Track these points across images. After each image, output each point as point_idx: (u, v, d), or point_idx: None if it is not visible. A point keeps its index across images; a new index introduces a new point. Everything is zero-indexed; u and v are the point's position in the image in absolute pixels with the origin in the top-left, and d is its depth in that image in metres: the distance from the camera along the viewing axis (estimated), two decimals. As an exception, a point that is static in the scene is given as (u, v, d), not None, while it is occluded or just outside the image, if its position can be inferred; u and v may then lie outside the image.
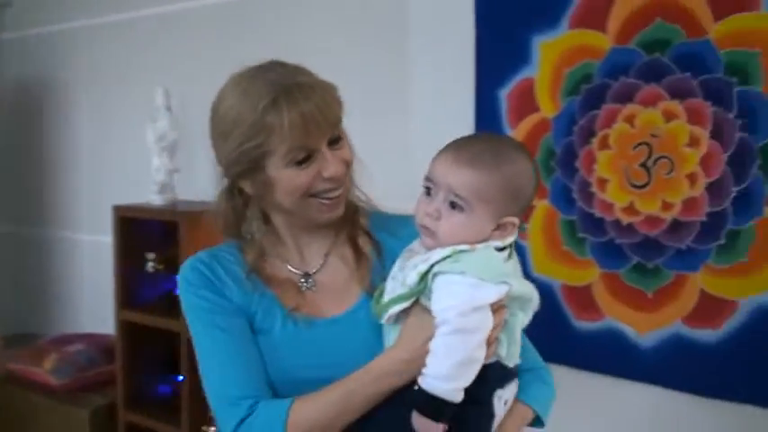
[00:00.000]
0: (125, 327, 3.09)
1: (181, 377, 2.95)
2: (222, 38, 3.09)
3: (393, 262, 1.32)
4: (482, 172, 1.19)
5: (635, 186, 2.08)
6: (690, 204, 1.99)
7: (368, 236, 1.41)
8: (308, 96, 1.23)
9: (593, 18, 2.12)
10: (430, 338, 1.18)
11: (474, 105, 2.37)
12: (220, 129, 1.29)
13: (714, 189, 1.95)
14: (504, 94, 2.31)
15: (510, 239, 1.24)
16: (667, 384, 2.07)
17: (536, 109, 2.25)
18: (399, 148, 2.51)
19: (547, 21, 2.21)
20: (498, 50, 2.31)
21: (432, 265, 1.19)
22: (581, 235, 2.19)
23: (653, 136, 2.04)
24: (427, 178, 1.23)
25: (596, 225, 2.15)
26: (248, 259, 1.35)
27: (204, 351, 1.31)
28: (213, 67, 3.09)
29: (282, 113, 1.22)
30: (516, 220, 1.23)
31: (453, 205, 1.20)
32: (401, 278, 1.23)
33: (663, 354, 2.07)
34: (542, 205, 2.26)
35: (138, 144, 3.20)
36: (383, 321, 1.25)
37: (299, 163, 1.25)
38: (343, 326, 1.33)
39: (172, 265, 3.02)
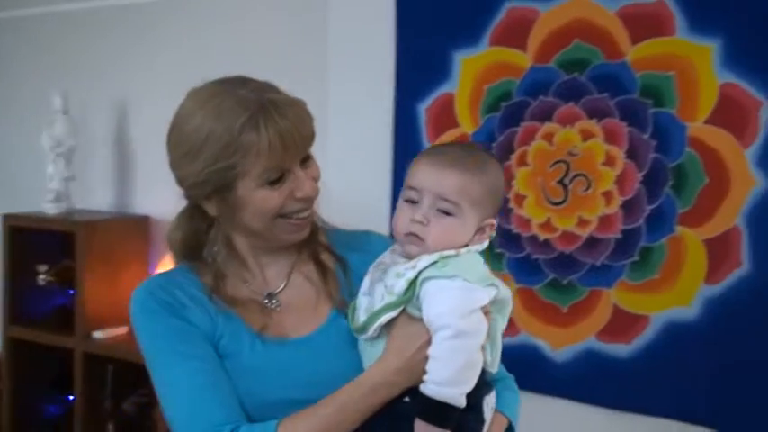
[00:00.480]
0: (13, 343, 2.91)
1: (72, 397, 2.79)
2: (124, 40, 2.97)
3: (360, 277, 1.29)
4: (468, 174, 1.20)
5: (552, 203, 2.12)
6: (605, 222, 2.04)
7: (330, 252, 1.37)
8: (284, 114, 1.19)
9: (514, 36, 2.16)
10: (422, 346, 1.17)
11: (393, 119, 2.36)
12: (186, 148, 1.21)
13: (629, 207, 2.01)
14: (424, 108, 2.31)
15: (486, 243, 1.25)
16: (581, 398, 2.10)
17: (456, 124, 2.26)
18: (317, 160, 2.46)
19: (468, 37, 2.23)
20: (418, 64, 2.31)
21: (420, 272, 1.17)
22: (498, 250, 2.20)
23: (570, 154, 2.08)
24: (409, 187, 1.23)
25: (513, 241, 2.18)
26: (206, 281, 1.28)
27: (171, 382, 1.21)
28: (114, 70, 3.01)
29: (261, 132, 1.16)
30: (495, 222, 1.25)
31: (443, 210, 1.20)
32: (382, 290, 1.20)
33: (577, 368, 2.10)
34: (460, 220, 2.26)
35: (33, 149, 3.03)
36: (369, 334, 1.21)
37: (272, 183, 1.21)
38: (315, 344, 1.28)
39: (65, 278, 2.87)
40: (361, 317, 1.22)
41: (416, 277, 1.17)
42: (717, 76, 1.89)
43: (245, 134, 1.16)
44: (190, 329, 1.23)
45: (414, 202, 1.22)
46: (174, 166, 1.25)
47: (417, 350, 1.17)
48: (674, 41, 1.94)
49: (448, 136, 2.26)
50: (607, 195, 2.03)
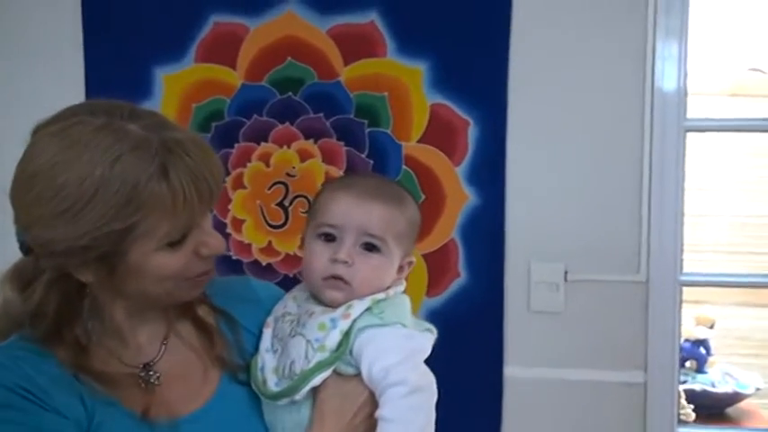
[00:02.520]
0: None
1: None
2: None
3: (251, 332, 1.10)
4: (391, 206, 1.06)
5: (272, 226, 2.06)
6: (328, 242, 2.03)
7: (208, 305, 1.12)
8: (193, 156, 0.93)
9: (222, 53, 2.05)
10: (360, 407, 1.01)
11: (86, 141, 2.11)
12: (64, 205, 0.90)
13: (351, 226, 2.02)
14: (123, 129, 2.10)
15: (404, 283, 1.11)
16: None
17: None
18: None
19: (170, 52, 2.06)
20: (114, 81, 2.08)
21: (354, 321, 1.00)
22: (218, 279, 2.08)
23: (289, 175, 2.04)
24: (324, 224, 1.05)
25: (233, 267, 2.06)
26: (62, 357, 0.97)
27: None
28: None
29: (172, 183, 0.90)
30: (414, 259, 1.12)
31: (369, 247, 1.05)
32: (303, 346, 1.01)
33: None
34: (172, 249, 2.10)
35: None
36: (295, 399, 1.01)
37: (173, 244, 0.95)
38: (211, 419, 1.03)
39: None
40: (271, 378, 1.04)
41: (350, 328, 1.01)
42: (427, 97, 1.98)
43: (150, 187, 0.90)
44: (56, 425, 0.93)
45: (329, 240, 1.05)
46: (32, 225, 0.94)
47: (356, 412, 1.01)
48: (385, 62, 1.99)
49: (153, 159, 2.08)
50: (329, 216, 2.02)
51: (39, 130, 0.95)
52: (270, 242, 2.06)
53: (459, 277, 1.99)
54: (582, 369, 2.00)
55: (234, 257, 2.07)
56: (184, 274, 0.98)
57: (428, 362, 1.05)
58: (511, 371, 2.02)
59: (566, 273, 1.97)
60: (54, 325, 0.98)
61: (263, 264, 2.06)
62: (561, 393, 2.01)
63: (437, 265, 2.00)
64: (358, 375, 1.02)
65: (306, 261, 1.07)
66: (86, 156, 0.90)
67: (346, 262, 1.03)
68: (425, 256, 2.00)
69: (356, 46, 1.99)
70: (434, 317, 2.00)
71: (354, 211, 1.05)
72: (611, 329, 1.99)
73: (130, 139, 0.91)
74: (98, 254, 0.93)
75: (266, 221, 2.06)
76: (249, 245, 2.07)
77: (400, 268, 1.10)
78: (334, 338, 1.01)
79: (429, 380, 1.02)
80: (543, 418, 2.02)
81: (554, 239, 1.98)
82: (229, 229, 2.08)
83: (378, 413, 0.99)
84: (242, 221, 2.07)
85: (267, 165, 2.05)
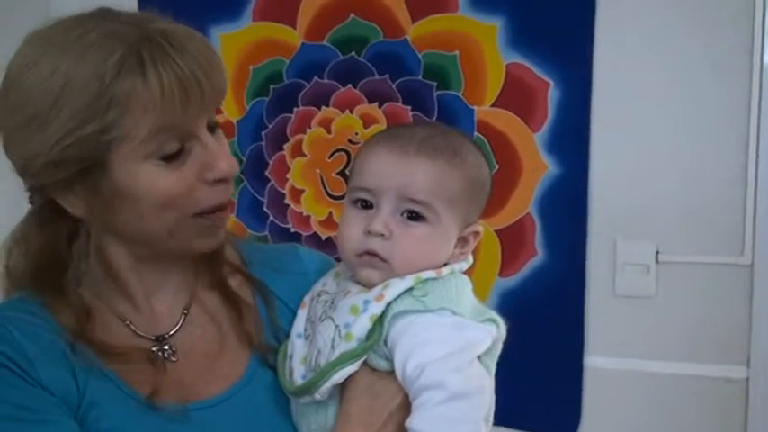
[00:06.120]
0: None
1: None
2: None
3: (290, 311, 0.94)
4: (440, 163, 0.86)
5: (333, 197, 1.93)
6: (392, 215, 1.89)
7: (242, 274, 0.98)
8: (181, 48, 0.79)
9: (280, 10, 1.94)
10: (393, 412, 0.84)
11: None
12: (31, 111, 0.79)
13: (416, 198, 1.87)
14: (178, 92, 2.01)
15: (471, 259, 0.92)
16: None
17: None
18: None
19: (226, 10, 1.97)
20: (169, 42, 2.00)
21: (388, 304, 0.83)
22: (276, 253, 1.97)
23: (351, 142, 1.91)
24: (359, 187, 0.87)
25: (292, 240, 1.95)
26: (64, 321, 0.85)
27: None
28: None
29: (147, 74, 0.77)
30: (481, 229, 0.93)
31: (412, 215, 0.86)
32: (331, 332, 0.85)
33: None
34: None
35: None
36: (316, 397, 0.85)
37: (168, 158, 0.81)
38: (228, 408, 0.89)
39: None
40: (298, 370, 0.87)
41: (384, 312, 0.83)
42: (502, 57, 1.80)
43: (122, 78, 0.77)
44: (40, 401, 0.80)
45: (366, 207, 0.87)
46: (11, 142, 0.83)
47: (388, 418, 0.84)
48: (457, 18, 1.83)
49: (209, 124, 1.98)
50: (393, 186, 1.88)
51: (26, 38, 0.85)
52: (330, 214, 1.94)
53: (536, 256, 1.81)
54: (674, 362, 1.80)
55: (292, 230, 1.97)
56: (188, 204, 0.83)
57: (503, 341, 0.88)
58: (593, 361, 1.84)
59: (657, 253, 1.77)
60: (40, 268, 0.87)
61: (323, 237, 1.94)
62: (649, 388, 1.81)
63: (511, 242, 1.83)
64: (394, 372, 0.84)
65: (338, 233, 0.90)
66: (52, 52, 0.80)
67: (383, 234, 0.85)
68: (499, 232, 1.83)
69: (425, 1, 1.83)
70: (508, 299, 1.83)
71: (392, 171, 0.85)
72: (710, 318, 1.77)
73: (103, 30, 0.79)
74: (77, 169, 0.80)
75: (327, 192, 1.94)
76: (308, 217, 1.96)
77: (462, 241, 0.90)
78: (363, 325, 0.83)
79: (477, 385, 0.82)
80: (628, 415, 1.83)
81: (644, 215, 1.78)
82: (288, 200, 1.97)
83: (407, 421, 0.80)
84: (301, 192, 1.96)
85: (328, 131, 1.92)
